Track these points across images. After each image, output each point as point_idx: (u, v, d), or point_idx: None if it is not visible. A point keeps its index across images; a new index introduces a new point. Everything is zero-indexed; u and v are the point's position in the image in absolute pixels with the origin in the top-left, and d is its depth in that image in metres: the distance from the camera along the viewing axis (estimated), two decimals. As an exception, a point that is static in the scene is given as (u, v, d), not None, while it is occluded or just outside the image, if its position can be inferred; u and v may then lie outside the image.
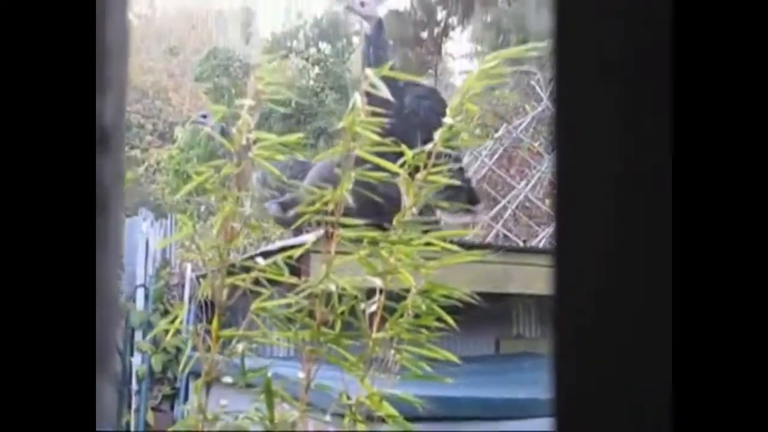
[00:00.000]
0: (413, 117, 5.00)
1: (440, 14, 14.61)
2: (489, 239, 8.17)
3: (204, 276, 3.84)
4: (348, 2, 5.57)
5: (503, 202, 8.68)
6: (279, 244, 5.51)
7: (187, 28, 24.14)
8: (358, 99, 2.48)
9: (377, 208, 2.91)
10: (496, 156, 9.12)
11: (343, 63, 16.02)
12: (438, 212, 5.00)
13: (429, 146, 2.55)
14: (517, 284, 5.88)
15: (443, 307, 2.48)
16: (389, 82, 2.61)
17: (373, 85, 2.50)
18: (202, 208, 10.51)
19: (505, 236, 8.39)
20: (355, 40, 17.05)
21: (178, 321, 2.62)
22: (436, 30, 14.48)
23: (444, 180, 2.60)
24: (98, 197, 0.87)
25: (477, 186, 9.00)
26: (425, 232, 2.55)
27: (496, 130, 9.48)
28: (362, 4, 5.40)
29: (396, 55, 12.96)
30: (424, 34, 14.52)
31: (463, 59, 19.16)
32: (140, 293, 7.90)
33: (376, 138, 2.46)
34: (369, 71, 2.55)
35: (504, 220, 8.50)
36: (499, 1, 14.79)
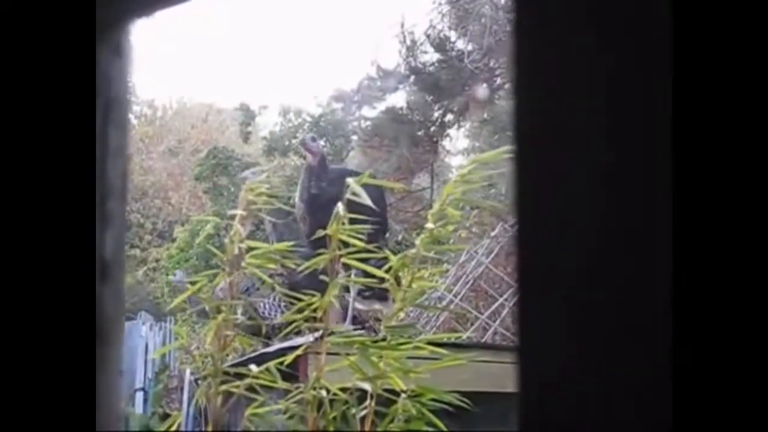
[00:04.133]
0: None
1: (436, 113, 14.72)
2: (486, 338, 8.20)
3: (204, 378, 3.90)
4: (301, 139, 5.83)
5: (500, 300, 8.71)
6: (276, 346, 5.56)
7: (187, 128, 24.30)
8: (341, 208, 2.59)
9: None
10: (492, 254, 9.18)
11: (341, 161, 16.14)
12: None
13: (412, 251, 2.64)
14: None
15: (435, 410, 2.54)
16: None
17: (354, 193, 2.61)
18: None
19: (503, 334, 8.41)
20: (354, 138, 17.22)
21: (175, 426, 2.69)
22: (432, 128, 14.59)
23: (430, 284, 2.68)
24: (99, 327, 0.95)
25: (475, 284, 9.06)
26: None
27: (493, 229, 9.55)
28: (313, 139, 5.74)
29: (392, 155, 13.08)
30: (420, 133, 14.63)
31: (460, 155, 19.30)
32: (139, 397, 7.87)
33: (361, 245, 2.56)
34: (350, 180, 2.66)
35: (501, 318, 8.53)
36: (495, 99, 14.94)
